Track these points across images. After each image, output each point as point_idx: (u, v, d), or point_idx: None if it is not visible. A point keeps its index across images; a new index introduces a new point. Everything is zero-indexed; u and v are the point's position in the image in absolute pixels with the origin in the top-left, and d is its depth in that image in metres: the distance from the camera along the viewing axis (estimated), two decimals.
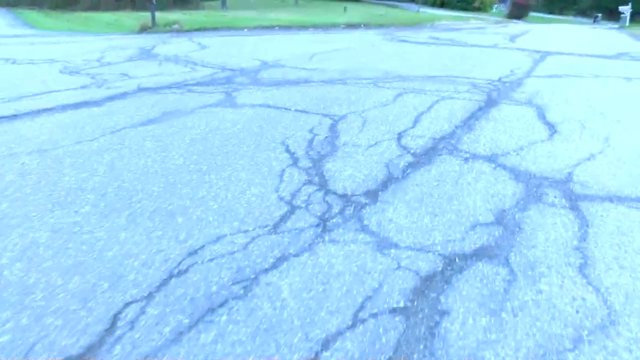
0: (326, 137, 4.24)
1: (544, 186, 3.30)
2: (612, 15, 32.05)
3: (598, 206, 3.01)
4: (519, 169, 3.59)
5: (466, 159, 3.77)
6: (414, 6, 32.88)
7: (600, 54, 10.56)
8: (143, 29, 14.47)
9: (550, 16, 39.84)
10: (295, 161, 3.65)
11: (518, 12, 36.02)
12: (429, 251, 2.45)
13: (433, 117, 4.92)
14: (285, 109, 5.14)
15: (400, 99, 5.63)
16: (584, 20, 38.37)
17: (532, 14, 38.59)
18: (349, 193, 3.11)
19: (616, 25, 26.26)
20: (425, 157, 3.82)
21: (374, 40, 12.25)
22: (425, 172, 3.51)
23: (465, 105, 5.43)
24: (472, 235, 2.62)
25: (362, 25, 19.34)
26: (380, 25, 18.94)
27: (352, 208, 2.90)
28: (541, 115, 5.08)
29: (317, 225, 2.66)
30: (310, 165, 3.59)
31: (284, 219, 2.74)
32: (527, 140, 4.26)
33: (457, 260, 2.38)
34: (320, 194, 3.08)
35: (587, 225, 2.76)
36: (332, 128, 4.49)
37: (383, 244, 2.50)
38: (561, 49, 11.47)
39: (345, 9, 25.41)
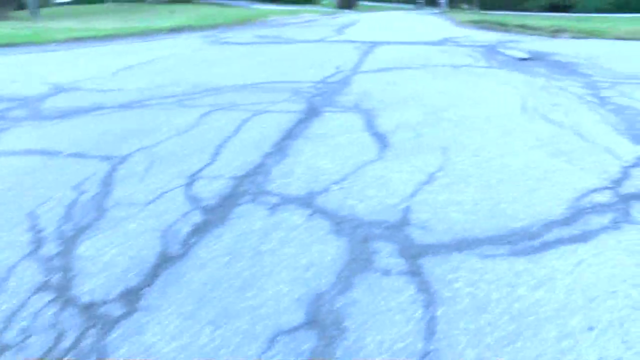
0: (95, 195, 3.03)
1: (374, 238, 2.46)
2: (433, 0, 34.58)
3: (445, 263, 2.25)
4: (341, 214, 2.74)
5: (274, 207, 2.80)
6: (246, 3, 31.98)
7: (426, 41, 10.57)
8: None
9: (377, 4, 41.81)
10: (36, 246, 2.43)
11: (347, 2, 37.03)
12: None
13: (239, 143, 3.91)
14: (56, 153, 3.75)
15: (205, 121, 4.53)
16: (408, 6, 40.96)
17: (361, 2, 40.12)
18: (98, 301, 2.01)
19: (437, 11, 28.17)
20: (220, 211, 2.78)
21: (196, 45, 10.96)
22: (215, 240, 2.48)
23: (282, 120, 4.50)
24: (272, 356, 1.63)
25: (188, 29, 17.86)
26: (207, 27, 17.66)
27: (94, 332, 1.86)
28: (370, 124, 4.33)
29: None
30: (57, 251, 2.48)
31: None
32: (353, 162, 3.44)
33: None
34: (52, 311, 1.94)
35: (435, 304, 1.92)
36: (107, 179, 3.27)
37: None
38: (389, 38, 11.34)
39: (172, 12, 23.56)
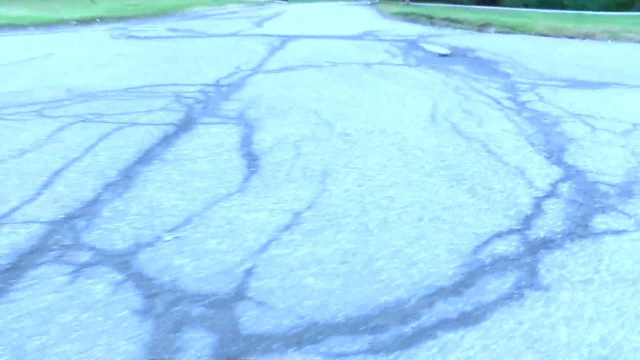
0: None
1: (189, 324, 1.78)
2: None
3: None
4: (162, 280, 2.05)
5: (79, 270, 2.06)
6: None
7: (346, 35, 9.89)
8: None
9: None
10: None
11: None
12: None
13: (82, 169, 3.09)
14: None
15: (57, 137, 3.63)
16: None
17: None
18: None
19: (369, 2, 27.77)
20: (5, 277, 1.88)
21: (100, 39, 9.74)
22: None
23: (146, 135, 3.66)
24: None
25: (98, 20, 16.33)
26: (121, 19, 16.25)
27: None
28: (246, 140, 3.55)
29: None
30: None
31: None
32: (205, 198, 2.72)
33: None
34: None
35: None
36: None
37: None
38: (309, 31, 10.61)
39: (94, 1, 21.76)
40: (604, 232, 2.42)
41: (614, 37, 9.58)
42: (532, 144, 3.62)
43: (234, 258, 2.21)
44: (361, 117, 4.24)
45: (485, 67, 6.52)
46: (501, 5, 21.34)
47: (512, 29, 10.68)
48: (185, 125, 4.08)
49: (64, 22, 14.43)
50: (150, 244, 2.33)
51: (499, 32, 10.67)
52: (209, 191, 2.87)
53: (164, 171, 3.16)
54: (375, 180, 2.98)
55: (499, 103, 4.69)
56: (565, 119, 4.25)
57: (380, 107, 4.55)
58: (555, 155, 3.41)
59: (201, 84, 5.47)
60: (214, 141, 3.70)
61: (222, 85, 5.43)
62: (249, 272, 2.11)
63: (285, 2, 31.32)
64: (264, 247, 2.29)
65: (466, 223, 2.48)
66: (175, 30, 11.94)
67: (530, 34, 10.29)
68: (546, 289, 1.99)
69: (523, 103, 4.72)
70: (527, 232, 2.41)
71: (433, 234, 2.38)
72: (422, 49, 7.87)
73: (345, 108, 4.49)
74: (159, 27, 12.92)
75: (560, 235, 2.38)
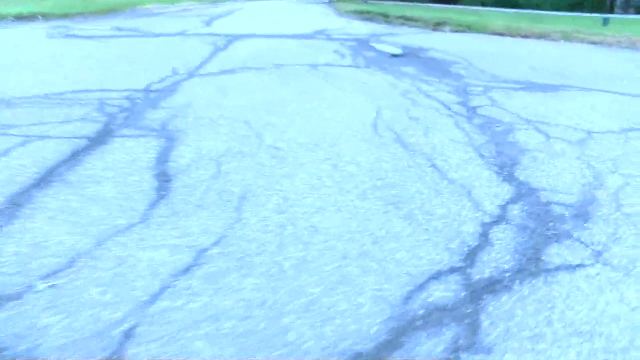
0: None
1: None
2: None
3: None
4: (12, 351, 1.54)
5: None
6: None
7: (297, 34, 9.47)
8: None
9: None
10: None
11: None
12: None
13: None
14: None
15: None
16: None
17: None
18: None
19: (327, 0, 27.38)
20: None
21: (35, 39, 8.97)
22: None
23: (51, 152, 3.20)
24: None
25: (40, 17, 15.31)
26: (65, 16, 15.31)
27: None
28: (164, 157, 3.10)
29: None
30: None
31: None
32: (99, 231, 2.38)
33: None
34: None
35: None
36: None
37: None
38: (258, 30, 10.14)
39: None
40: (558, 268, 2.06)
41: (567, 37, 9.47)
42: (482, 157, 3.27)
43: (115, 314, 1.76)
44: (296, 127, 3.81)
45: (438, 68, 6.21)
46: (459, 4, 21.34)
47: (467, 28, 10.48)
48: (101, 138, 3.58)
49: (1, 18, 13.48)
50: (17, 297, 1.85)
51: (454, 31, 10.46)
52: (106, 222, 2.40)
53: (61, 197, 2.67)
54: (299, 205, 2.55)
55: (449, 109, 4.34)
56: (518, 126, 3.94)
57: (319, 115, 4.14)
58: (506, 169, 3.07)
59: (131, 90, 4.94)
60: (127, 158, 3.22)
61: (152, 91, 4.92)
62: (128, 335, 1.66)
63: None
64: (154, 298, 1.84)
65: (399, 261, 2.08)
66: (120, 29, 11.26)
67: (486, 34, 10.11)
68: (488, 350, 1.59)
69: (475, 108, 4.39)
70: (470, 270, 2.03)
71: (358, 277, 1.97)
72: (374, 49, 7.53)
73: (280, 117, 4.06)
74: (104, 25, 12.21)
75: (508, 274, 2.01)
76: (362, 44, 8.15)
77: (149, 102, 4.54)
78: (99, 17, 15.48)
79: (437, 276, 2.00)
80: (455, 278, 1.99)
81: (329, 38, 9.02)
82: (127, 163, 3.17)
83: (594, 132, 3.85)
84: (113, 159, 3.24)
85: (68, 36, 9.57)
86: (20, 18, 14.15)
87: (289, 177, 2.92)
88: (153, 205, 2.63)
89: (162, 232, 2.36)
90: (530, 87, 5.43)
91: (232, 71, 5.95)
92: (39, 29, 10.85)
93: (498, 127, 3.93)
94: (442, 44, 8.41)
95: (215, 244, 2.25)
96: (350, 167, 3.07)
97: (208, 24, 12.10)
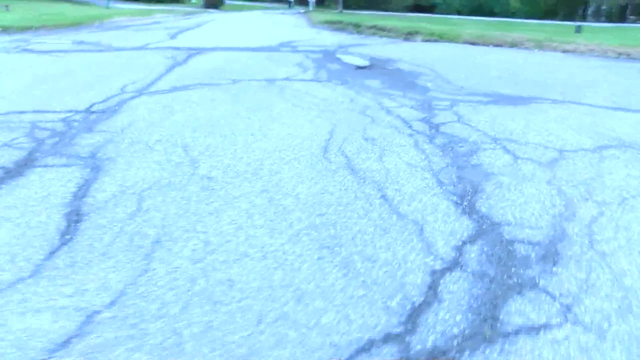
0: None
1: None
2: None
3: None
4: None
5: None
6: (104, 2, 28.32)
7: (261, 46, 9.12)
8: None
9: (246, 3, 39.99)
10: None
11: (213, 2, 34.96)
12: None
13: None
14: None
15: None
16: (280, 5, 39.68)
17: (231, 1, 38.10)
18: None
19: (303, 10, 27.17)
20: None
21: None
22: None
23: None
24: None
25: (0, 30, 14.79)
26: (27, 29, 14.76)
27: None
28: (82, 191, 2.79)
29: None
30: None
31: None
32: None
33: None
34: None
35: None
36: None
37: None
38: (223, 42, 9.77)
39: (6, 7, 19.93)
40: (518, 331, 1.68)
41: (540, 46, 9.25)
42: (441, 184, 2.90)
43: None
44: (237, 151, 3.40)
45: (403, 80, 5.87)
46: (434, 13, 21.24)
47: (439, 37, 10.22)
48: (19, 169, 3.15)
49: None
50: None
51: (425, 41, 10.19)
52: None
53: None
54: (219, 251, 2.14)
55: (409, 126, 3.98)
56: (484, 145, 3.59)
57: (265, 135, 3.75)
58: (466, 199, 2.70)
59: (70, 111, 4.51)
60: (40, 194, 2.79)
61: (93, 112, 4.49)
62: None
63: (216, 11, 30.29)
64: None
65: (324, 326, 1.67)
66: (81, 43, 10.78)
67: (457, 43, 9.86)
68: None
69: (438, 126, 4.03)
70: (409, 338, 1.63)
71: (270, 350, 1.56)
72: (340, 61, 7.18)
73: (222, 138, 3.67)
74: (65, 39, 11.72)
75: (457, 342, 1.62)
76: (327, 56, 7.81)
77: (86, 124, 4.11)
78: (63, 31, 14.96)
79: (367, 348, 1.59)
80: (390, 349, 1.59)
81: (294, 50, 8.66)
82: (38, 200, 2.74)
83: (565, 151, 3.52)
84: (24, 195, 2.81)
85: (24, 50, 9.09)
86: None
87: (216, 214, 2.51)
88: (52, 253, 2.21)
89: (52, 289, 1.94)
90: (499, 99, 5.11)
91: (184, 87, 5.54)
92: None
93: (461, 146, 3.57)
94: (411, 54, 8.12)
95: (110, 304, 1.83)
96: (287, 200, 2.66)
97: (173, 37, 11.69)
